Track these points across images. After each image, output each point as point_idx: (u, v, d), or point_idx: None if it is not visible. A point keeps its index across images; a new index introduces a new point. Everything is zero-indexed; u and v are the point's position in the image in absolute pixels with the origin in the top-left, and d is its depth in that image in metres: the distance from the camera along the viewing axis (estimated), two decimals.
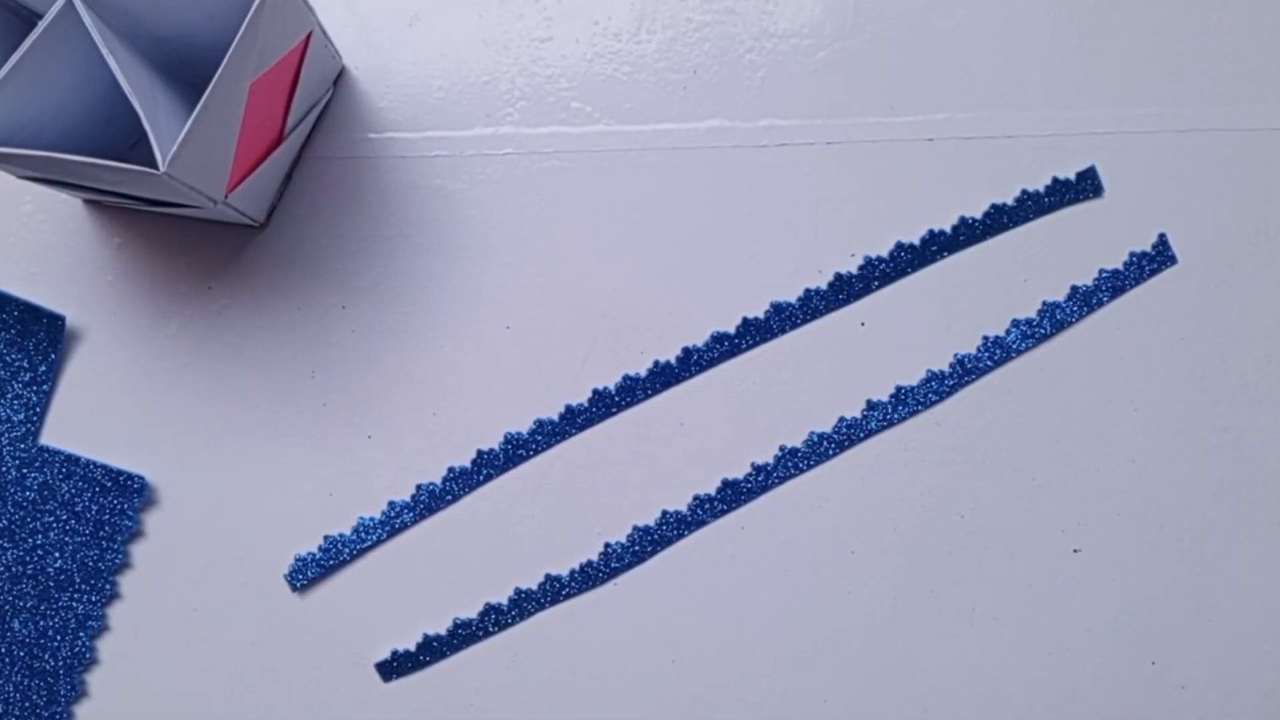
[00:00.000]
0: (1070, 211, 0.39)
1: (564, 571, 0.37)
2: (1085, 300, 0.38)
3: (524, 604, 0.37)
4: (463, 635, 0.37)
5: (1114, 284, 0.38)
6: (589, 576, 0.37)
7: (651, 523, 0.38)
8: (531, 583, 0.37)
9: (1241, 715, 0.37)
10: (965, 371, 0.38)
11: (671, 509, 0.38)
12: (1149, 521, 0.38)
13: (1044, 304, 0.38)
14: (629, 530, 0.38)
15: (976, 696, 0.37)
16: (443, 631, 0.37)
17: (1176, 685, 0.37)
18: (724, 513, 0.38)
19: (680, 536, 0.38)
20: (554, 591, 0.37)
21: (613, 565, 0.37)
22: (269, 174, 0.37)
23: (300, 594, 0.37)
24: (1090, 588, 0.37)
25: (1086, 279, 0.39)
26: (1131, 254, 0.39)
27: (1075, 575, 0.38)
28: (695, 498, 0.38)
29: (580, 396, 0.38)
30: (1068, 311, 0.38)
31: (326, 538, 0.37)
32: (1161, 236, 0.39)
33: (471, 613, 0.37)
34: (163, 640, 0.37)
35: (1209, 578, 0.38)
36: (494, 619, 0.37)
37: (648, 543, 0.37)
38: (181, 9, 0.33)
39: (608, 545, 0.37)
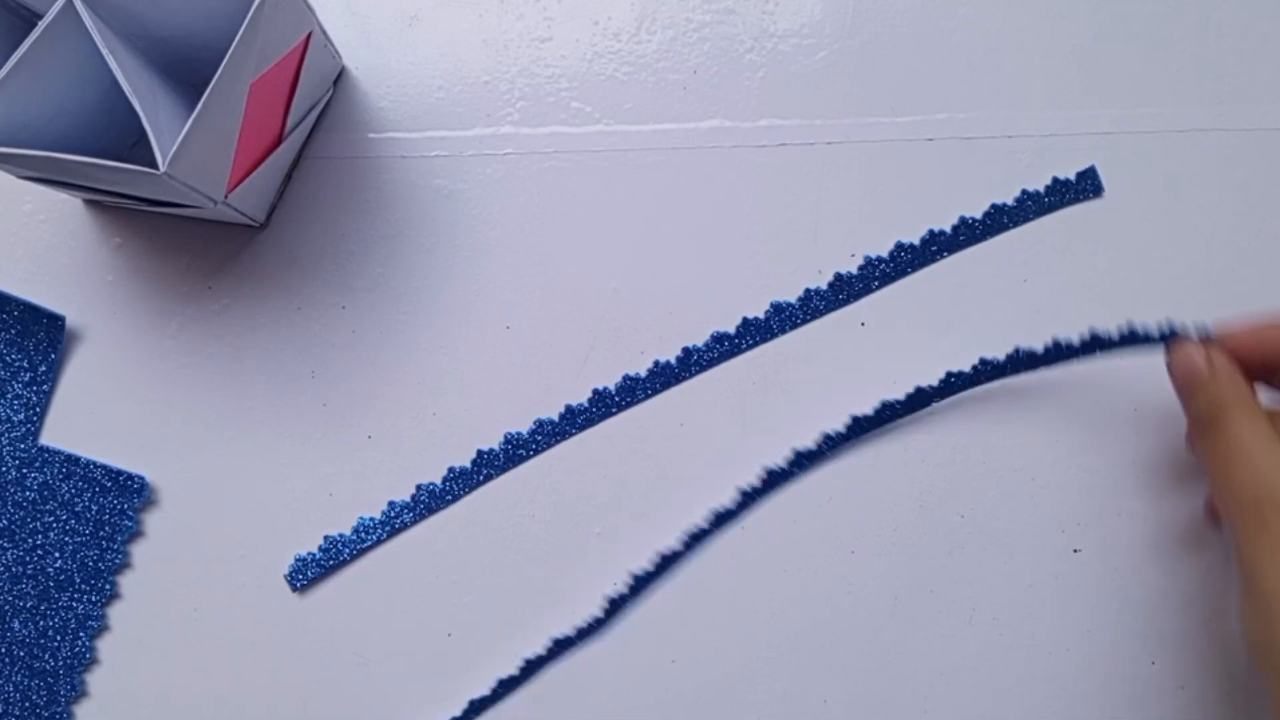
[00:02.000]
0: (1070, 211, 0.39)
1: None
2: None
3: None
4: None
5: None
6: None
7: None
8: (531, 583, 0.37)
9: (1241, 715, 0.37)
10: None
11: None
12: (1149, 521, 0.38)
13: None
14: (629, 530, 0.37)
15: (976, 696, 0.37)
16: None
17: (1176, 685, 0.37)
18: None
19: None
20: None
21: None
22: (269, 174, 0.37)
23: (300, 594, 0.37)
24: (1090, 588, 0.37)
25: (1086, 278, 0.39)
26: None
27: (1075, 575, 0.38)
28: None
29: (580, 396, 0.38)
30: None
31: (326, 538, 0.37)
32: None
33: (473, 610, 0.37)
34: (163, 640, 0.37)
35: (1209, 578, 0.37)
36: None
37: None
38: (181, 9, 0.33)
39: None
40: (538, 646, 0.37)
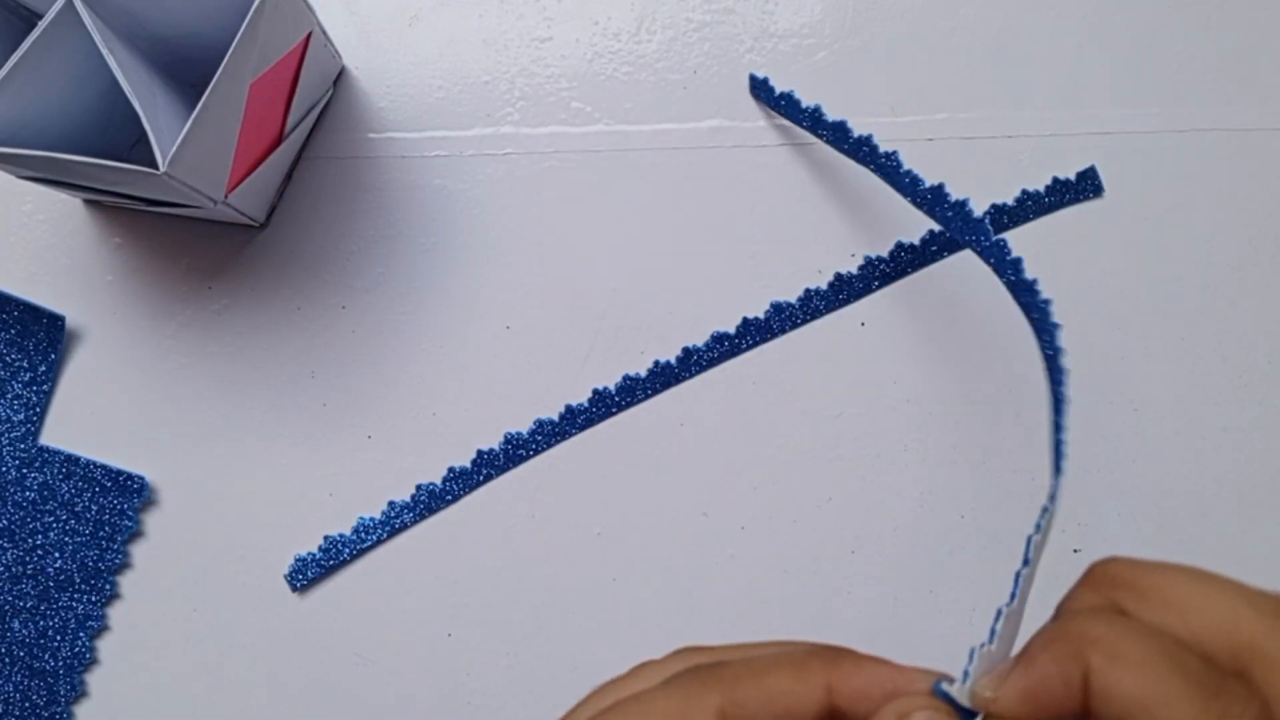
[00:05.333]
0: (1070, 211, 0.39)
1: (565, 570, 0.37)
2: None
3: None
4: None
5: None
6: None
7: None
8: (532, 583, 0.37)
9: None
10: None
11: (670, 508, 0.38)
12: (1149, 521, 0.38)
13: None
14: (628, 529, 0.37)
15: None
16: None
17: None
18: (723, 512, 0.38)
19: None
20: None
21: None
22: (269, 174, 0.37)
23: (300, 594, 0.37)
24: None
25: (1086, 278, 0.39)
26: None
27: (1074, 575, 0.37)
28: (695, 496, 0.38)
29: (580, 396, 0.38)
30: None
31: (326, 538, 0.37)
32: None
33: (473, 610, 0.37)
34: (163, 640, 0.37)
35: None
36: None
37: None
38: (181, 9, 0.33)
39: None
40: (539, 646, 0.37)
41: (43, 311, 0.37)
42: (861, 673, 0.19)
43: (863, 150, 0.35)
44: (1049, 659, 0.18)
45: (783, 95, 0.37)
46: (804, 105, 0.37)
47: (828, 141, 0.37)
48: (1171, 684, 0.17)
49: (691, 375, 0.38)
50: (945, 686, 0.19)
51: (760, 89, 0.38)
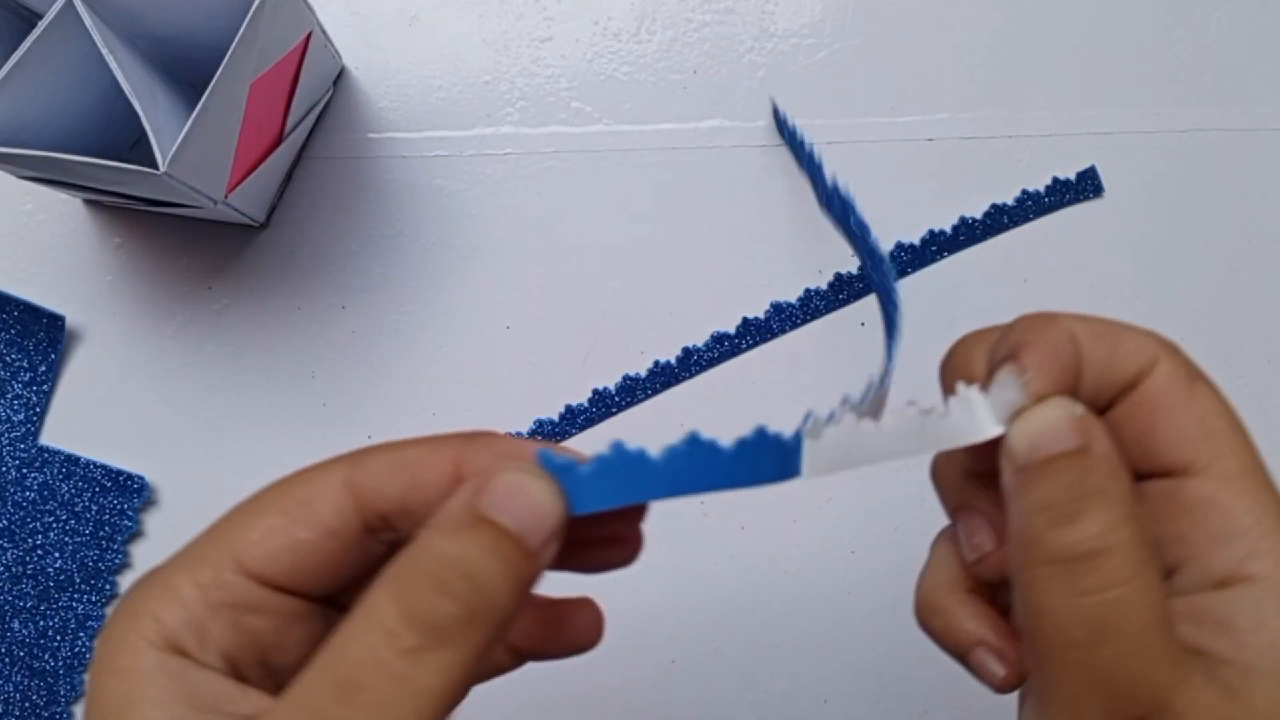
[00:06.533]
0: (1070, 211, 0.39)
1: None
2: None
3: None
4: None
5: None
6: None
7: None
8: None
9: None
10: None
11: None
12: None
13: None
14: None
15: (977, 697, 0.37)
16: None
17: None
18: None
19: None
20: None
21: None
22: (269, 174, 0.37)
23: None
24: None
25: (1086, 278, 0.39)
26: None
27: None
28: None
29: (580, 396, 0.38)
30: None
31: None
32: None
33: None
34: None
35: None
36: None
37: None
38: (181, 9, 0.33)
39: None
40: None
41: (43, 311, 0.37)
42: (489, 447, 0.20)
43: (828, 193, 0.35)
44: (1039, 335, 0.20)
45: (790, 129, 0.38)
46: (806, 146, 0.37)
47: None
48: (1128, 330, 0.20)
49: (691, 375, 0.38)
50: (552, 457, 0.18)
51: (775, 118, 0.39)
